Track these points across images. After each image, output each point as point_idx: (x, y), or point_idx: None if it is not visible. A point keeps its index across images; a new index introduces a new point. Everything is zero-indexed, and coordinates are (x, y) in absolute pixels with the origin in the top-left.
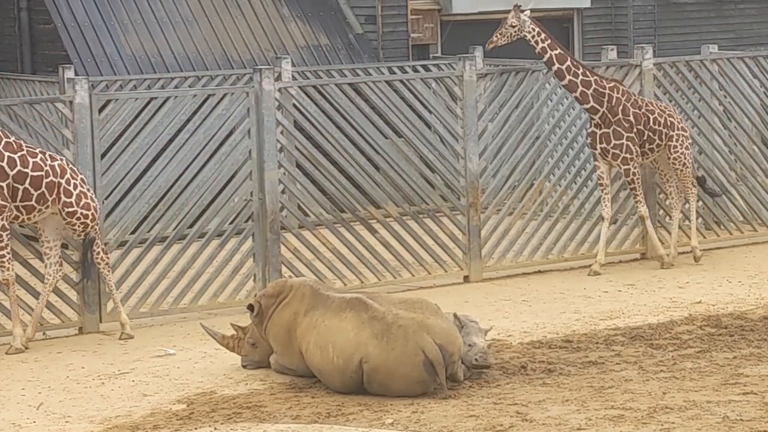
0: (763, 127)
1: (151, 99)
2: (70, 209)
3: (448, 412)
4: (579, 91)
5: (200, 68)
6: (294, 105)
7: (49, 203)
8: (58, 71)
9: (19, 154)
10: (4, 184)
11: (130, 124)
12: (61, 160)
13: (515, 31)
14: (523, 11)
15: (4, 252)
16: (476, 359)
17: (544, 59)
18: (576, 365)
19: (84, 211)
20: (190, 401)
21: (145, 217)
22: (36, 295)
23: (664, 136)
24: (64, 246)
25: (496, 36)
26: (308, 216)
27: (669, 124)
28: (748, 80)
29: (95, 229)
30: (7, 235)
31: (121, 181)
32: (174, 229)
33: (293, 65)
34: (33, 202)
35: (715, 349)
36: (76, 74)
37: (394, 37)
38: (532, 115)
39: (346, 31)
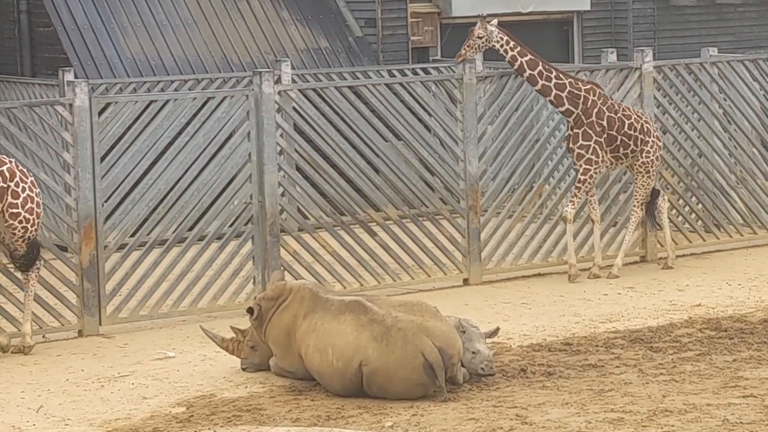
0: (763, 130)
1: (151, 102)
2: (14, 210)
3: (448, 415)
4: (553, 94)
5: (200, 71)
6: (294, 108)
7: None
8: (58, 74)
9: None
10: None
11: (129, 127)
12: (11, 162)
13: (483, 42)
14: (489, 21)
15: None
16: (482, 368)
17: (515, 67)
18: (576, 368)
19: (27, 215)
20: (189, 404)
21: (145, 220)
22: (36, 297)
23: (639, 142)
24: (63, 249)
25: (464, 48)
26: (308, 219)
27: (645, 130)
28: (748, 83)
29: (34, 235)
30: None
31: (121, 183)
32: (173, 232)
33: (293, 68)
34: None
35: (714, 352)
36: (76, 77)
37: (394, 40)
38: (531, 118)
39: (346, 34)
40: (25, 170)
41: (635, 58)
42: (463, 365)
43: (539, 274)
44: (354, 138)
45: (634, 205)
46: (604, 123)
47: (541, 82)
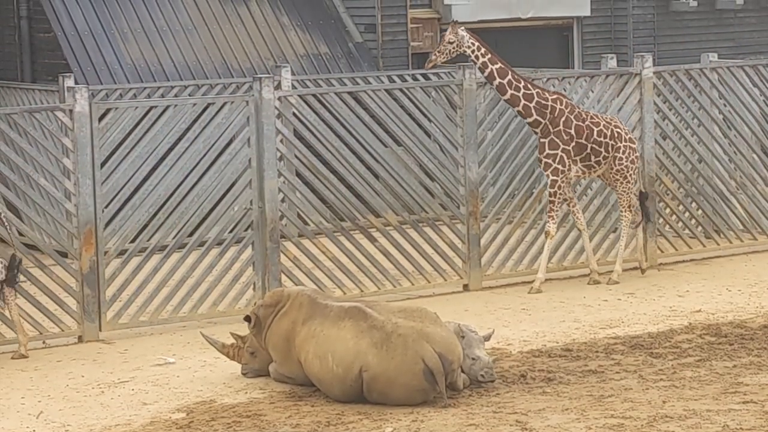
0: (763, 135)
1: (151, 108)
2: None
3: (448, 420)
4: (521, 104)
5: (200, 77)
6: (294, 114)
7: None
8: (58, 80)
9: None
10: None
11: (129, 133)
12: None
13: (454, 48)
14: (460, 26)
15: None
16: (482, 375)
17: (485, 74)
18: (576, 374)
19: None
20: (189, 410)
21: (145, 226)
22: (36, 303)
23: (610, 148)
24: (63, 255)
25: (435, 54)
26: (308, 225)
27: (615, 135)
28: (748, 89)
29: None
30: None
31: (121, 189)
32: (174, 238)
33: (293, 74)
34: None
35: (715, 358)
36: (76, 83)
37: (394, 46)
38: None
39: (346, 39)
40: None
41: (635, 64)
42: (462, 371)
43: None
44: (354, 144)
45: (621, 211)
46: (572, 131)
47: (510, 92)
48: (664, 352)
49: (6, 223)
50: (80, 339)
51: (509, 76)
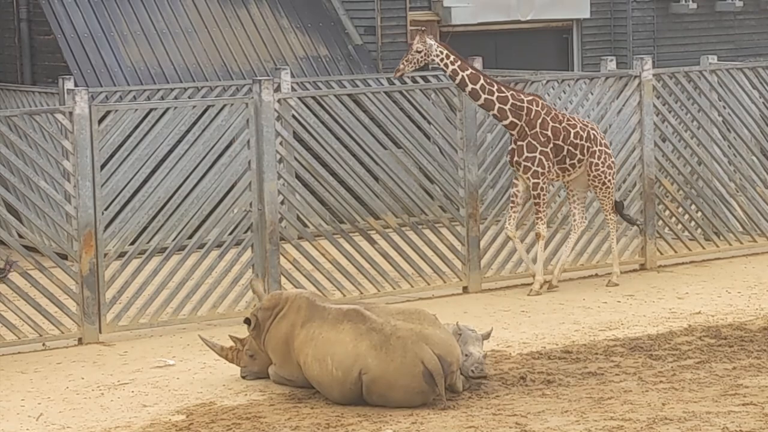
0: (762, 137)
1: (151, 110)
2: None
3: (447, 422)
4: (497, 108)
5: (200, 79)
6: (293, 116)
7: None
8: (58, 82)
9: None
10: None
11: (129, 135)
12: None
13: (422, 57)
14: (428, 35)
15: None
16: (472, 370)
17: (456, 81)
18: (575, 376)
19: None
20: (189, 412)
21: (145, 228)
22: (36, 305)
23: (586, 151)
24: (63, 257)
25: (403, 63)
26: (307, 227)
27: (591, 137)
28: (748, 91)
29: None
30: None
31: (121, 191)
32: (173, 240)
33: (292, 76)
34: None
35: (714, 360)
36: (76, 85)
37: (394, 48)
38: None
39: (346, 42)
40: None
41: (634, 66)
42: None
43: None
44: (353, 146)
45: (606, 215)
46: (549, 133)
47: (483, 96)
48: (664, 354)
49: None
50: (80, 341)
51: (481, 81)
